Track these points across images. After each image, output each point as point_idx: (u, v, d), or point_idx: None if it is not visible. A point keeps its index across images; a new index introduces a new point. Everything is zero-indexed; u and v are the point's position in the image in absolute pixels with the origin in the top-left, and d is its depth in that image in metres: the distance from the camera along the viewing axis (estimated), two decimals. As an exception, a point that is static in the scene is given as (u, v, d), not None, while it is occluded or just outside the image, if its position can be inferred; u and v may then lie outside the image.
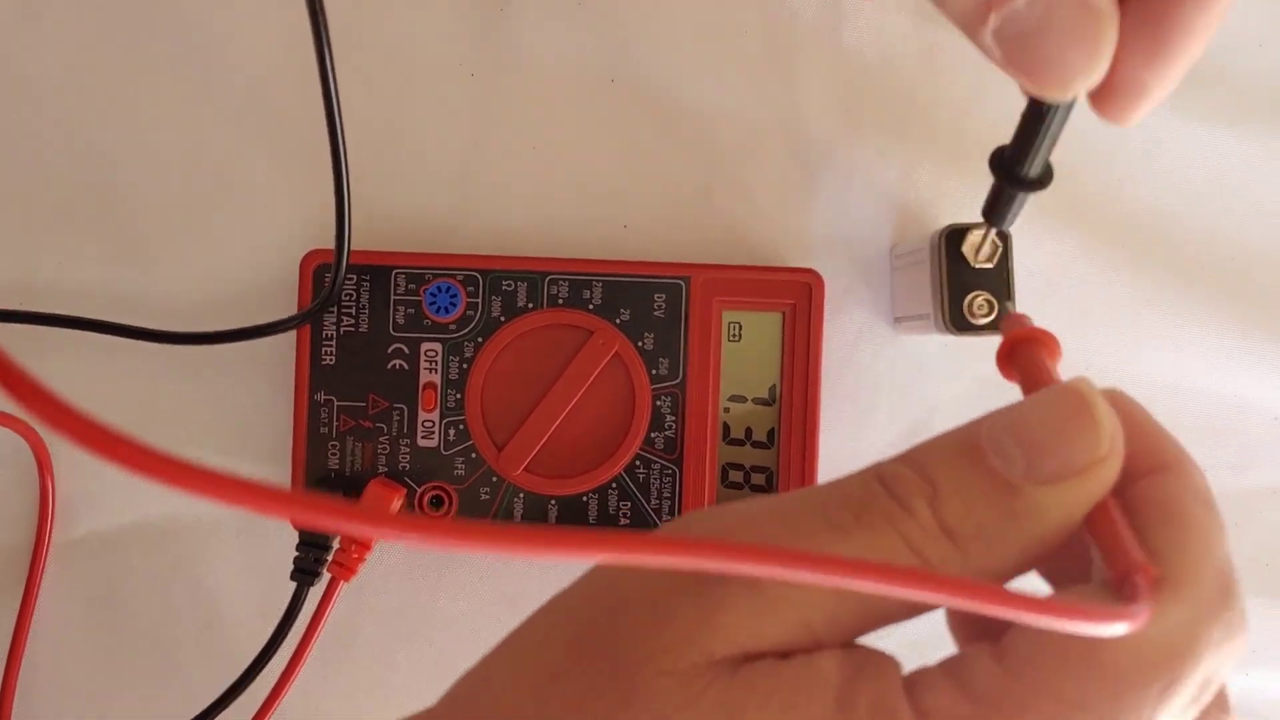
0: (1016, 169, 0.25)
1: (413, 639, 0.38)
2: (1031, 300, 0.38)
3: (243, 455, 0.37)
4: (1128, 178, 0.39)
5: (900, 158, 0.38)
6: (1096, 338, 0.38)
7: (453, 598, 0.38)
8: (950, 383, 0.38)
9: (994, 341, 0.25)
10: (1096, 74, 0.21)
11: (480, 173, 0.38)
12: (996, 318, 0.33)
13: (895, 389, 0.38)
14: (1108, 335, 0.38)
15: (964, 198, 0.38)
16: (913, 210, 0.38)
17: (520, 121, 0.38)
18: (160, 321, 0.37)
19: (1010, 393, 0.23)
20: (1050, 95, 0.21)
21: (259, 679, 0.35)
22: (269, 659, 0.35)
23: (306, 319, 0.35)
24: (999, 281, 0.33)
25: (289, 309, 0.36)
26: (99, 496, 0.38)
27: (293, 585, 0.35)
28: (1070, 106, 0.24)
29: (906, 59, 0.38)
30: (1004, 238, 0.33)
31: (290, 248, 0.37)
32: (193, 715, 0.35)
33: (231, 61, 0.38)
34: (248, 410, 0.37)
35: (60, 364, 0.37)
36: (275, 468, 0.37)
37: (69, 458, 0.37)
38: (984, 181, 0.27)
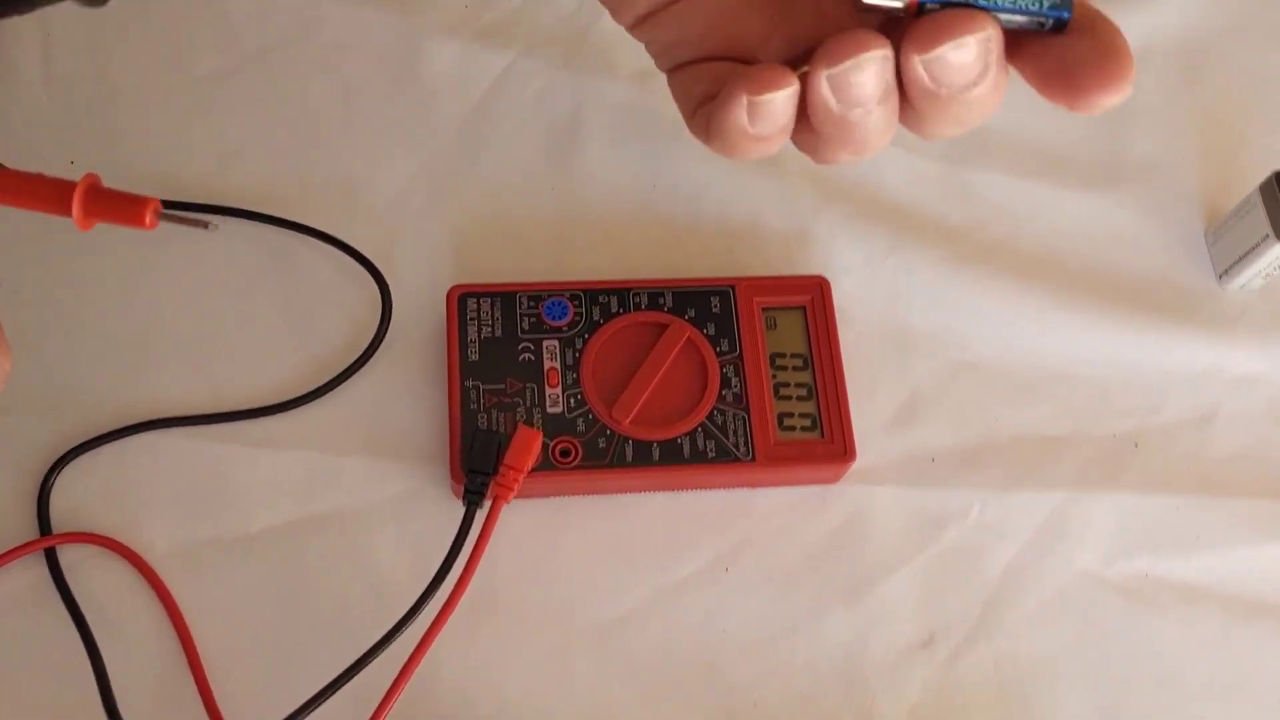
0: None
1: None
2: (978, 301, 0.52)
3: (409, 438, 0.47)
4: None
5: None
6: (1028, 327, 0.52)
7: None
8: (928, 363, 0.51)
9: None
10: None
11: (564, 246, 0.52)
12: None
13: (892, 367, 0.51)
14: (1035, 325, 0.53)
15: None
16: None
17: (589, 214, 0.53)
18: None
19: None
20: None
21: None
22: (446, 574, 0.42)
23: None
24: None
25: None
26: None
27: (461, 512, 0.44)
28: None
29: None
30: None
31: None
32: (383, 633, 0.42)
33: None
34: (410, 404, 0.48)
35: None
36: (438, 441, 0.47)
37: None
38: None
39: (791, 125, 0.32)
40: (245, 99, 0.54)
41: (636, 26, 0.37)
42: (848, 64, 0.29)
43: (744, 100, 0.31)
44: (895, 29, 0.30)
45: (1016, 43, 0.30)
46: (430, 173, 0.53)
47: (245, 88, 0.54)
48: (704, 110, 0.33)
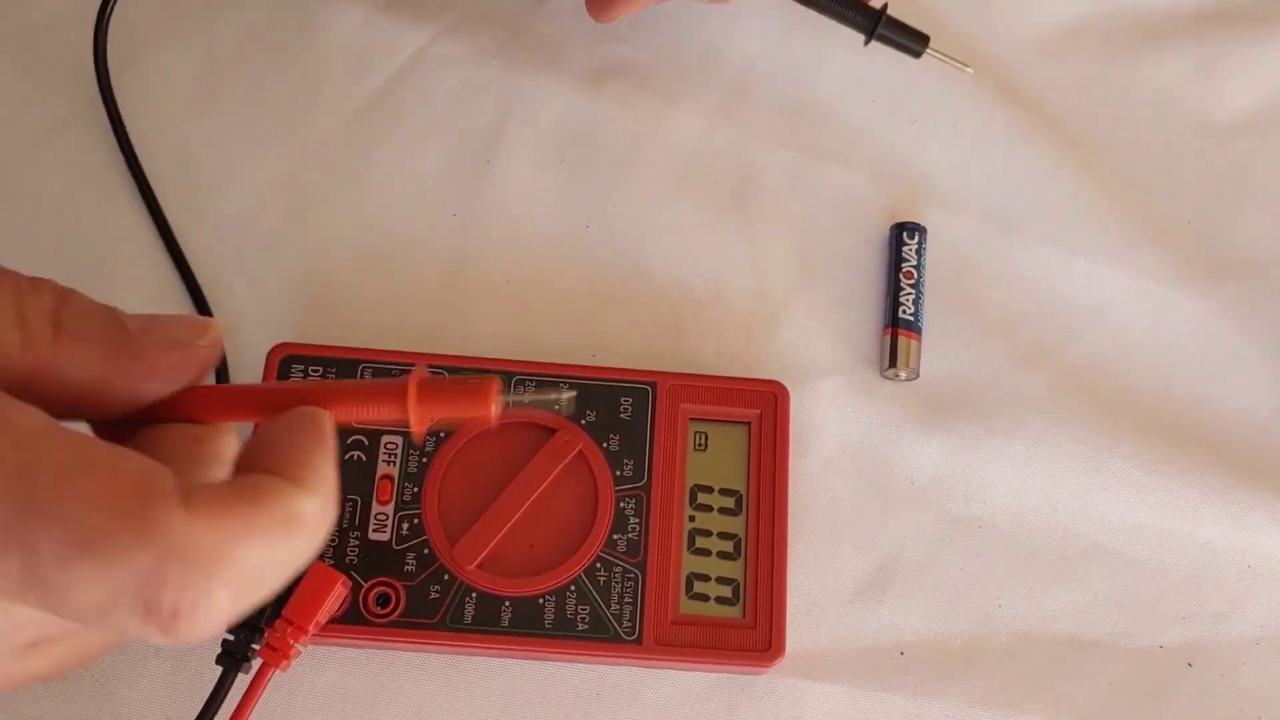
0: None
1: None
2: (1000, 437, 0.38)
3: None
4: (1077, 333, 0.40)
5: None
6: (1064, 479, 0.38)
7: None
8: (917, 516, 0.38)
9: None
10: None
11: (455, 298, 0.39)
12: None
13: (865, 515, 0.37)
14: (1074, 478, 0.38)
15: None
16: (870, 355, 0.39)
17: (497, 257, 0.40)
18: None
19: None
20: None
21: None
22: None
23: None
24: None
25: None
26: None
27: (217, 672, 0.32)
28: None
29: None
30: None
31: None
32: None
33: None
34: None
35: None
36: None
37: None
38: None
39: None
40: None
41: None
42: None
43: None
44: None
45: None
46: (298, 178, 0.41)
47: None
48: None
